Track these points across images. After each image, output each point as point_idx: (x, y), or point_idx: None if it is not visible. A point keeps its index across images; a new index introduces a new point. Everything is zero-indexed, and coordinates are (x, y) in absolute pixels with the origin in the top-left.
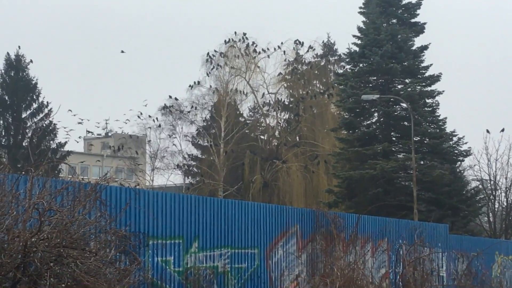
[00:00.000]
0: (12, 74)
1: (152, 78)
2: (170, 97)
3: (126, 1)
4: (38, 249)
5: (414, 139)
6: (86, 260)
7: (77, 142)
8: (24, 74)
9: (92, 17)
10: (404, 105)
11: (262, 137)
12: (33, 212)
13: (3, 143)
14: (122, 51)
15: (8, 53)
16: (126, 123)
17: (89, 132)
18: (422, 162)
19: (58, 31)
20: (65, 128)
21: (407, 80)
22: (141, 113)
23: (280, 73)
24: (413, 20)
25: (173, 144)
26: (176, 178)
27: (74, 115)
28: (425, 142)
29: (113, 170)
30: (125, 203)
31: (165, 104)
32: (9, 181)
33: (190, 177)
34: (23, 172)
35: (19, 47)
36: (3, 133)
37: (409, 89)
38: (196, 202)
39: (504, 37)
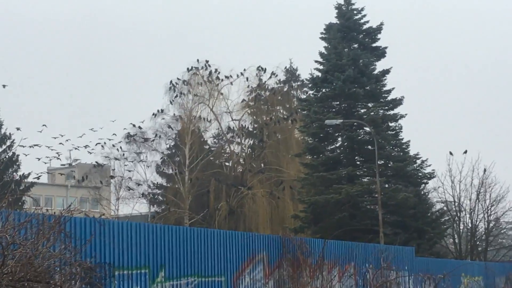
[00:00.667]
0: None
1: (114, 105)
2: (134, 125)
3: (86, 26)
4: (1, 284)
5: (378, 162)
6: None
7: (38, 176)
8: None
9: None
10: (367, 129)
11: (227, 163)
12: None
13: None
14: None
15: None
16: (90, 153)
17: (55, 157)
18: (386, 186)
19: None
20: (26, 155)
21: (369, 104)
22: (105, 143)
23: (243, 100)
24: (374, 45)
25: (137, 173)
26: (141, 207)
27: (35, 146)
28: (389, 165)
29: (77, 200)
30: (89, 234)
31: (128, 132)
32: None
33: (155, 205)
34: None
35: None
36: None
37: (372, 113)
38: (161, 231)
39: (465, 58)
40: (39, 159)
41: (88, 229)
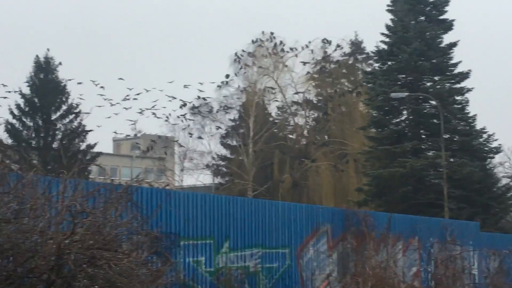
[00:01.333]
0: (42, 77)
1: (178, 76)
2: (199, 97)
3: (150, 6)
4: (71, 251)
5: (444, 136)
6: (119, 262)
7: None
8: (53, 76)
9: (114, 14)
10: (433, 102)
11: (291, 136)
12: (66, 215)
13: (33, 145)
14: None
15: (37, 56)
16: (167, 119)
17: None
18: (452, 160)
19: (82, 32)
20: (92, 130)
21: (436, 78)
22: (170, 114)
23: (308, 72)
24: (441, 17)
25: (201, 144)
26: (205, 178)
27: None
28: (455, 139)
29: (142, 171)
30: (156, 204)
31: (193, 104)
32: (42, 183)
33: (219, 177)
34: (56, 175)
35: (48, 49)
36: (33, 135)
37: (438, 87)
38: (226, 202)
39: None
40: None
41: (154, 199)
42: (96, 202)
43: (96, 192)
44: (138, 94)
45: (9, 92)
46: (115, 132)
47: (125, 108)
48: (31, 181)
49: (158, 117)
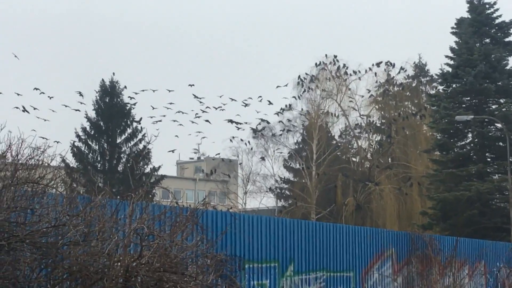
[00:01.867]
0: (107, 100)
1: (240, 99)
2: (262, 120)
3: (216, 29)
4: (139, 274)
5: (510, 159)
6: (186, 285)
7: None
8: (119, 100)
9: (176, 38)
10: (498, 125)
11: (354, 159)
12: (134, 237)
13: (98, 168)
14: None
15: (103, 80)
16: (232, 139)
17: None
18: None
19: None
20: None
21: (501, 100)
22: (233, 137)
23: (371, 95)
24: (507, 39)
25: (265, 167)
26: (268, 201)
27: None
28: None
29: (207, 194)
30: (221, 227)
31: (256, 127)
32: (109, 206)
33: (282, 200)
34: (123, 197)
35: (113, 73)
36: (99, 158)
37: (504, 109)
38: (290, 225)
39: None
40: (172, 151)
41: (220, 222)
42: (162, 225)
43: (163, 215)
44: (204, 111)
45: (78, 110)
46: (178, 159)
47: (194, 124)
48: (99, 204)
49: (239, 127)
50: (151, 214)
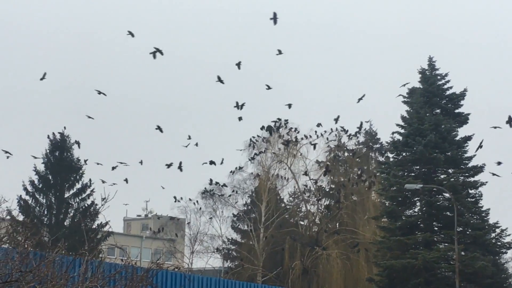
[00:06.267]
0: (57, 154)
1: (189, 160)
2: (211, 181)
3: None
4: None
5: (457, 229)
6: None
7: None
8: (68, 154)
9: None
10: (447, 195)
11: (302, 223)
12: None
13: (45, 222)
14: (159, 128)
15: (53, 133)
16: (179, 200)
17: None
18: (464, 253)
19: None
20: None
21: (450, 170)
22: (181, 197)
23: (322, 161)
24: (457, 111)
25: (212, 227)
26: (215, 262)
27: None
28: (468, 233)
29: (152, 251)
30: (173, 287)
31: (205, 188)
32: (59, 262)
33: (229, 260)
34: (77, 255)
35: (64, 127)
36: (46, 212)
37: (452, 179)
38: None
39: None
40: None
41: (172, 283)
42: (116, 284)
43: (117, 274)
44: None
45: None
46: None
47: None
48: (52, 261)
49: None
50: (107, 272)
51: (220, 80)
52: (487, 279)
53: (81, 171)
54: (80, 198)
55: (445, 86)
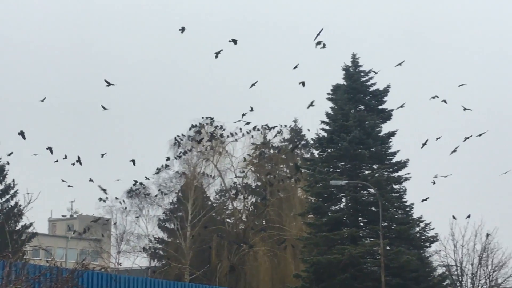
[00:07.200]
0: None
1: (118, 160)
2: (136, 181)
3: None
4: None
5: (382, 224)
6: None
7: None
8: None
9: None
10: (372, 190)
11: (229, 220)
12: None
13: None
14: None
15: None
16: (104, 200)
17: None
18: (389, 248)
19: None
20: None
21: (374, 166)
22: (107, 197)
23: (247, 157)
24: (380, 107)
25: (139, 227)
26: (142, 261)
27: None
28: (393, 227)
29: (78, 252)
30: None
31: (131, 187)
32: None
33: (156, 260)
34: (0, 257)
35: None
36: None
37: (377, 175)
38: (166, 287)
39: (467, 122)
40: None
41: (98, 283)
42: (41, 286)
43: (42, 276)
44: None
45: None
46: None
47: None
48: None
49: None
50: (31, 274)
51: (234, 41)
52: (412, 273)
53: (4, 172)
54: (3, 199)
55: (369, 83)
